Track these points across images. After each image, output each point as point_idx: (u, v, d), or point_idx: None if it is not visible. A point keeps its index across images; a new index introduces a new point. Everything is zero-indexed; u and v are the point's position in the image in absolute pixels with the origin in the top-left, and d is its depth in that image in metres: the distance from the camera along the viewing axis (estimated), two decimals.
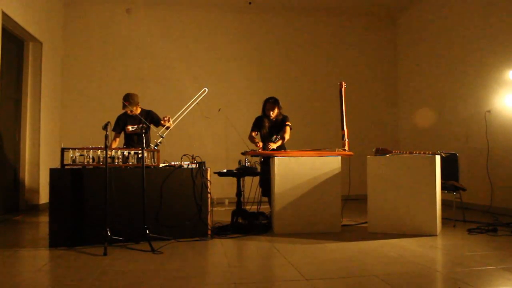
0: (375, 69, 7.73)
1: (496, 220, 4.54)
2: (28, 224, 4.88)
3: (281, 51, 7.45)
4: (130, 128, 4.56)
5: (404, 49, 7.60)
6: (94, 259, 3.08)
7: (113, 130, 4.52)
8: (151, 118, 4.54)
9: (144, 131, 3.62)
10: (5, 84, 5.37)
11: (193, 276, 2.68)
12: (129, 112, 4.47)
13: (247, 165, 4.35)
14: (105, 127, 3.36)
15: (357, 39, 7.70)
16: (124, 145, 4.63)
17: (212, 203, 3.93)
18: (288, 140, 4.55)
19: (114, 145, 4.52)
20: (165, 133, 4.09)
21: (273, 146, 4.34)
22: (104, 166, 3.42)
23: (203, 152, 4.29)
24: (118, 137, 4.63)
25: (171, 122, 4.29)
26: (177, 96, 6.37)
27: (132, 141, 4.57)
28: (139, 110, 4.56)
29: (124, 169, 3.67)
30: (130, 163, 3.70)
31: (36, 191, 5.89)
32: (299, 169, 4.07)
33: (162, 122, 4.38)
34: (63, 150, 3.60)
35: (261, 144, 4.44)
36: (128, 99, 4.43)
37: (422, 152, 4.07)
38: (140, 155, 3.65)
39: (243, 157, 4.39)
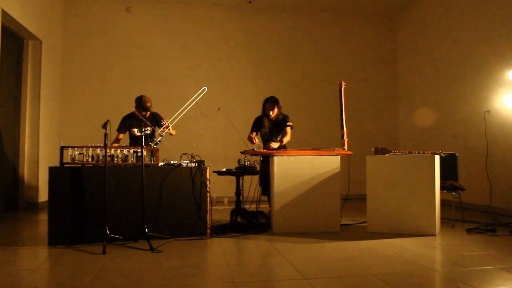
0: (375, 69, 7.73)
1: (495, 220, 4.55)
2: (27, 222, 4.87)
3: (281, 50, 7.45)
4: (136, 131, 4.55)
5: (404, 49, 7.60)
6: (93, 257, 3.08)
7: (118, 130, 4.51)
8: (156, 121, 4.52)
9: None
10: (4, 82, 5.36)
11: (192, 275, 2.68)
12: (140, 114, 4.41)
13: (246, 164, 4.35)
14: (104, 126, 3.35)
15: (357, 39, 7.69)
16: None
17: (211, 202, 3.94)
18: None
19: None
20: (164, 132, 4.08)
21: (274, 145, 4.35)
22: (104, 165, 3.42)
23: (202, 151, 4.29)
24: (121, 138, 4.61)
25: (170, 129, 4.28)
26: (177, 95, 6.38)
27: (137, 143, 4.54)
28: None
29: (123, 167, 3.67)
30: (130, 161, 3.70)
31: (35, 189, 5.89)
32: (298, 168, 4.07)
33: (161, 126, 4.33)
34: (62, 148, 3.59)
35: (257, 141, 4.44)
36: (150, 103, 4.41)
37: (421, 152, 4.07)
38: (139, 154, 3.65)
39: (242, 156, 4.39)
